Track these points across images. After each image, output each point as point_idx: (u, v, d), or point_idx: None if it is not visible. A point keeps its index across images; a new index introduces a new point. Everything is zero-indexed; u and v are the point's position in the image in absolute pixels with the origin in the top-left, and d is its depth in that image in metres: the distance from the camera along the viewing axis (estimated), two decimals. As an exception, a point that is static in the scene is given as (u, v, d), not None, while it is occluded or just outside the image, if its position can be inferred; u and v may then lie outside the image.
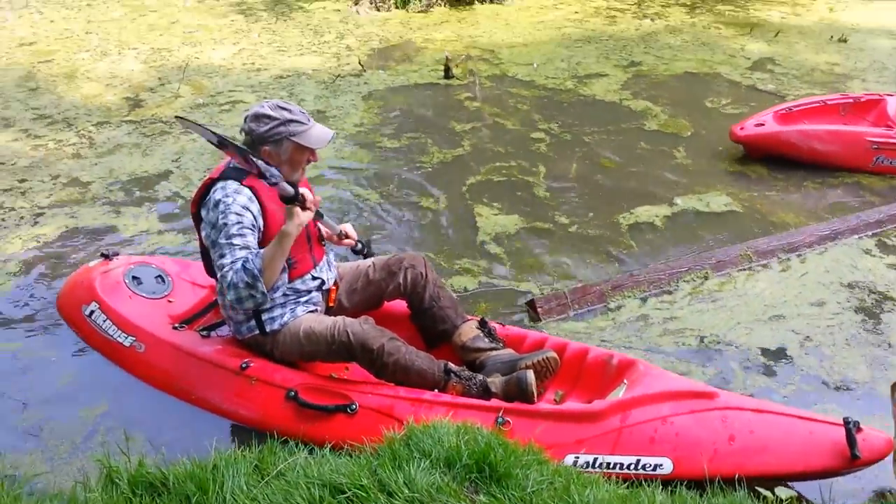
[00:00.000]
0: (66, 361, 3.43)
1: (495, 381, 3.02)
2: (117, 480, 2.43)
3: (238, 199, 2.90)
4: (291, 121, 2.97)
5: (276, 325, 3.09)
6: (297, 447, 2.63)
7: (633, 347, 3.60)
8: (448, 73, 6.95)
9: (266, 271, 2.85)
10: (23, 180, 5.11)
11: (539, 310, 3.88)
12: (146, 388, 3.23)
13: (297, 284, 3.12)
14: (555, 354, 3.12)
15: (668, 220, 4.76)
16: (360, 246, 3.49)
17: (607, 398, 2.89)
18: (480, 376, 3.06)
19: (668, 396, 2.80)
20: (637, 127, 6.00)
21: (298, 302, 3.14)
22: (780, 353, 3.57)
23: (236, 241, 2.87)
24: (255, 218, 2.93)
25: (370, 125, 6.07)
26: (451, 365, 3.06)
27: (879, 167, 5.29)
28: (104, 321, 3.40)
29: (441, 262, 4.23)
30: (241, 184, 2.94)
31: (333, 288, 3.29)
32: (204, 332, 3.30)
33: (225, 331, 3.30)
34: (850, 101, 5.72)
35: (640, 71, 7.05)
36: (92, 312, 3.45)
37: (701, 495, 2.44)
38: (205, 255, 3.12)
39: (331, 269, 3.30)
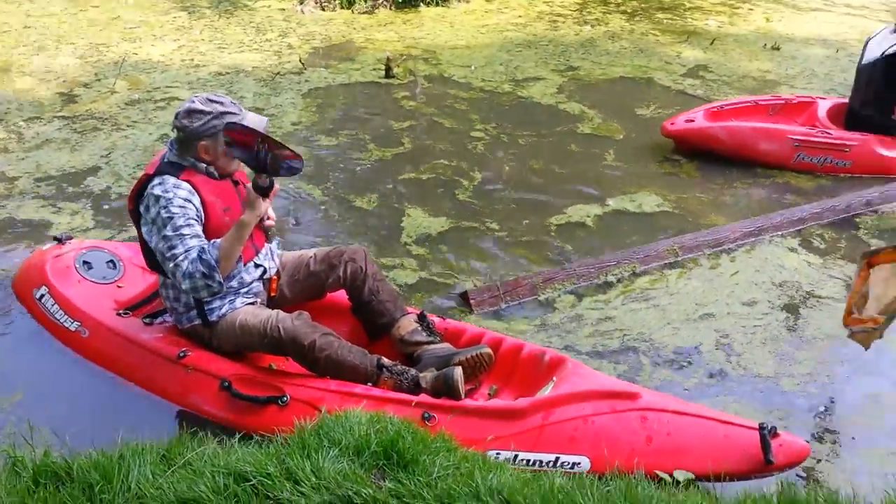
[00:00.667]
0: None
1: (426, 377, 3.08)
2: (19, 471, 2.42)
3: (179, 193, 2.93)
4: (224, 113, 3.00)
5: (215, 317, 3.12)
6: (206, 437, 2.63)
7: (566, 346, 3.67)
8: (389, 73, 6.98)
9: (223, 261, 2.89)
10: (-53, 174, 5.02)
11: (472, 301, 3.97)
12: (88, 374, 3.28)
13: (241, 274, 3.14)
14: (489, 350, 3.19)
15: (601, 220, 4.88)
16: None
17: (536, 395, 2.95)
18: (413, 371, 3.11)
19: (590, 396, 2.86)
20: (571, 130, 6.09)
21: (238, 293, 3.16)
22: (700, 351, 3.69)
23: (185, 231, 2.89)
24: (197, 210, 2.95)
25: (308, 123, 6.08)
26: (384, 360, 3.10)
27: (801, 164, 5.48)
28: (52, 305, 3.43)
29: (375, 256, 4.27)
30: (179, 178, 2.96)
31: (275, 277, 3.31)
32: (147, 320, 3.33)
33: (170, 320, 3.31)
34: (782, 102, 5.92)
35: (576, 75, 7.17)
36: (42, 296, 3.48)
37: (600, 478, 2.51)
38: (145, 249, 3.12)
39: (273, 258, 3.32)
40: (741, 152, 5.53)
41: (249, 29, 8.15)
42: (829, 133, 5.47)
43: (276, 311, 3.13)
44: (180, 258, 2.88)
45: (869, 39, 5.58)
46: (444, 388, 3.01)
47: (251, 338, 3.10)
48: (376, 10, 8.90)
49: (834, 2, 9.89)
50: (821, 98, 6.00)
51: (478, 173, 5.38)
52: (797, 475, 2.89)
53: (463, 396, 3.00)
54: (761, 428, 2.67)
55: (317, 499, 2.28)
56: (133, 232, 4.31)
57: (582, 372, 3.05)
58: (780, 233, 4.70)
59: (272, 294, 3.31)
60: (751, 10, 9.47)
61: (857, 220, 4.89)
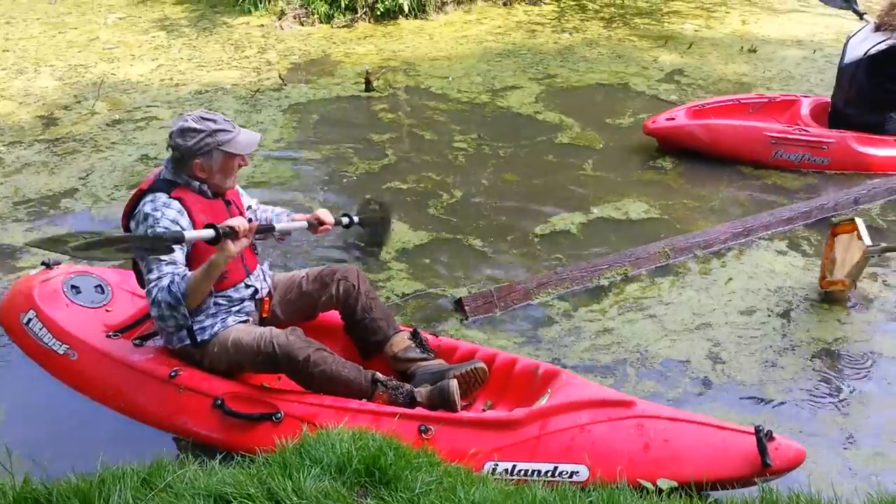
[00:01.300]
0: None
1: (421, 391, 3.09)
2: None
3: (167, 213, 2.94)
4: (218, 130, 3.02)
5: (206, 336, 3.12)
6: (187, 459, 2.62)
7: (562, 358, 3.69)
8: (369, 86, 7.00)
9: (189, 296, 2.89)
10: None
11: (466, 308, 4.00)
12: (73, 400, 3.28)
13: (230, 293, 3.15)
14: (483, 365, 3.20)
15: (587, 228, 4.90)
16: (346, 220, 3.57)
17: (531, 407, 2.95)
18: (408, 386, 3.12)
19: (586, 405, 2.87)
20: (550, 139, 6.11)
21: (230, 312, 3.17)
22: (689, 361, 3.70)
23: (163, 256, 2.88)
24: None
25: (290, 139, 6.10)
26: (379, 374, 3.11)
27: (779, 161, 5.53)
28: (40, 329, 3.43)
29: (366, 272, 4.28)
30: (170, 196, 2.98)
31: (267, 298, 3.32)
32: (137, 342, 3.33)
33: (160, 341, 3.31)
34: (765, 100, 5.96)
35: (554, 83, 7.20)
36: (29, 320, 3.47)
37: (583, 489, 2.51)
38: (136, 267, 3.13)
39: (265, 278, 3.34)
40: (720, 150, 5.57)
41: (228, 46, 8.15)
42: (806, 131, 5.52)
43: (269, 327, 3.14)
44: (152, 284, 2.91)
45: (849, 38, 5.61)
46: (440, 401, 3.01)
47: (245, 355, 3.09)
48: (355, 24, 8.92)
49: (809, 3, 9.95)
50: (804, 96, 6.04)
51: (460, 184, 5.39)
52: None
53: (459, 408, 3.00)
54: (758, 431, 2.67)
55: (298, 518, 2.27)
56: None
57: (576, 382, 3.06)
58: (768, 233, 4.74)
59: (264, 315, 3.32)
60: (727, 13, 9.54)
61: (835, 219, 4.92)
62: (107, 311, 3.56)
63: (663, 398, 3.40)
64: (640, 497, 2.47)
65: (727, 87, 7.06)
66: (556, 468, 2.74)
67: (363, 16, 9.01)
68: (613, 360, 3.70)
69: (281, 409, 2.97)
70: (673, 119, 5.67)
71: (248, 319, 3.22)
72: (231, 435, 2.97)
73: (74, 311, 3.50)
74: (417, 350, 3.29)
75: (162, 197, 2.97)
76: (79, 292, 3.57)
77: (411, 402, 3.05)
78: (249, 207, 3.43)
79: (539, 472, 2.74)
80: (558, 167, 5.67)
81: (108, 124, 6.27)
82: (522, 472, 2.74)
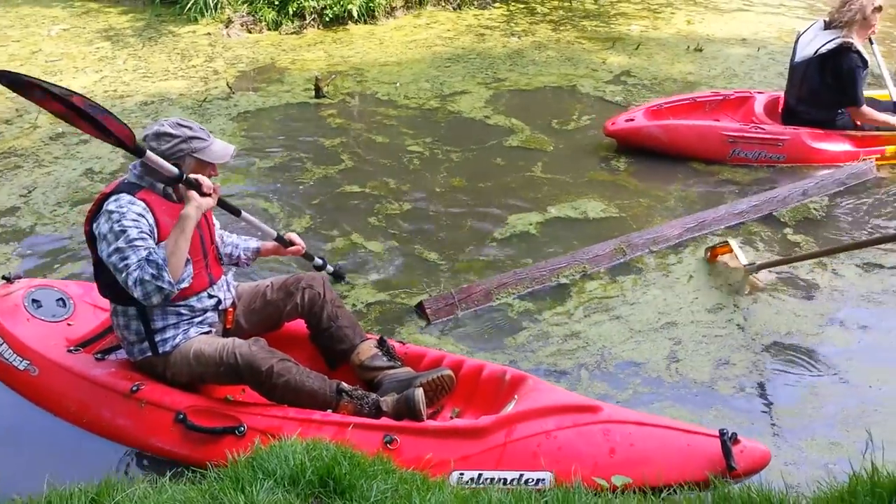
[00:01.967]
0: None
1: (387, 400, 3.06)
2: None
3: (133, 209, 2.90)
4: (192, 137, 3.01)
5: (168, 347, 3.08)
6: (137, 478, 2.57)
7: (528, 363, 3.69)
8: (319, 93, 6.95)
9: (171, 258, 2.84)
10: None
11: (427, 311, 4.00)
12: (35, 417, 3.24)
13: (192, 302, 3.11)
14: (450, 372, 3.19)
15: (546, 229, 4.91)
16: (319, 262, 3.65)
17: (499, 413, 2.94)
18: (374, 396, 3.10)
19: (552, 411, 2.87)
20: (500, 143, 6.12)
21: (192, 322, 3.12)
22: (642, 362, 3.72)
23: (139, 242, 2.84)
24: (150, 227, 2.92)
25: (241, 147, 6.01)
26: (344, 384, 3.09)
27: (736, 158, 5.65)
28: (0, 344, 3.36)
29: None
30: (135, 196, 2.94)
31: (231, 309, 3.29)
32: (99, 356, 3.28)
33: (122, 354, 3.26)
34: (720, 98, 6.06)
35: (503, 87, 7.23)
36: None
37: (540, 493, 2.50)
38: (98, 274, 3.07)
39: (229, 289, 3.31)
40: (679, 150, 5.66)
41: (174, 56, 8.04)
42: (762, 129, 5.63)
43: (231, 338, 3.11)
44: (133, 266, 2.83)
45: (799, 36, 5.71)
46: (406, 411, 3.00)
47: (207, 367, 3.06)
48: (304, 31, 8.86)
49: (752, 1, 10.16)
50: (758, 93, 6.15)
51: (414, 189, 5.39)
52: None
53: (425, 418, 2.99)
54: (722, 435, 2.69)
55: (251, 533, 2.23)
56: (67, 270, 4.30)
57: (542, 388, 3.05)
58: (723, 226, 4.83)
59: (228, 326, 3.29)
60: (673, 13, 9.68)
61: (776, 214, 5.03)
62: (68, 324, 3.52)
63: (613, 399, 3.42)
64: (596, 495, 2.47)
65: (673, 87, 7.16)
66: (521, 476, 2.73)
67: (312, 22, 8.96)
68: (574, 363, 3.71)
69: (244, 423, 2.94)
70: (632, 120, 5.74)
71: (210, 331, 3.19)
72: (194, 449, 2.94)
73: (35, 326, 3.45)
74: (384, 358, 3.28)
75: (126, 197, 2.95)
76: (40, 306, 3.54)
77: (377, 412, 3.04)
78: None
79: (505, 479, 2.73)
80: (512, 170, 5.68)
81: (51, 138, 6.14)
82: (488, 480, 2.73)
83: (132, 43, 8.41)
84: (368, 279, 4.37)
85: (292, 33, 8.80)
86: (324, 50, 8.29)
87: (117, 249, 2.85)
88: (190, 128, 3.04)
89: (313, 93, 6.97)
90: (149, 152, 2.85)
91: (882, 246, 4.50)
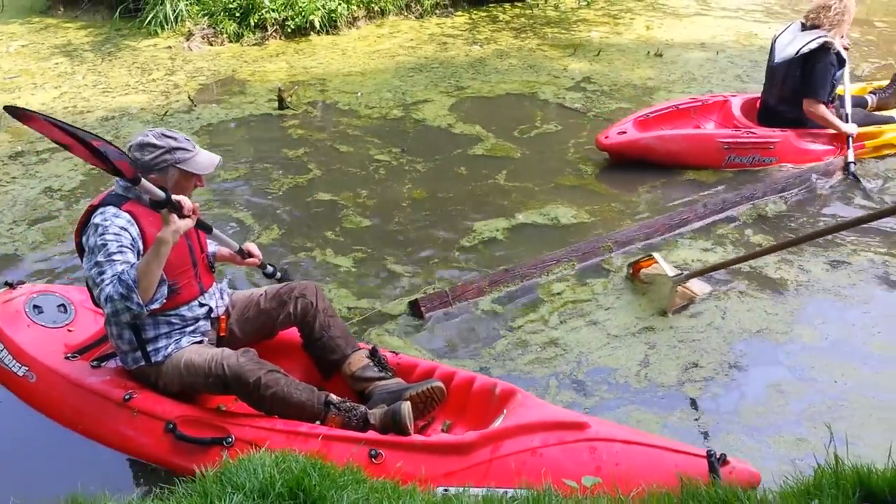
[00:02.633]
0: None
1: (376, 413, 3.06)
2: None
3: (116, 222, 2.90)
4: (177, 148, 3.00)
5: (160, 357, 3.08)
6: (104, 494, 2.53)
7: (513, 374, 3.68)
8: (282, 104, 6.92)
9: (142, 280, 2.81)
10: None
11: (423, 308, 4.07)
12: (34, 423, 3.28)
13: (183, 311, 3.11)
14: (441, 384, 3.17)
15: (517, 236, 4.95)
16: (270, 269, 3.62)
17: (487, 429, 2.92)
18: (362, 408, 3.09)
19: (538, 427, 2.85)
20: (464, 151, 6.13)
21: (184, 332, 3.13)
22: (624, 368, 3.74)
23: (117, 257, 2.83)
24: (133, 239, 2.91)
25: (203, 161, 5.95)
26: (332, 396, 3.08)
27: (732, 164, 5.74)
28: (1, 350, 3.38)
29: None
30: (121, 208, 2.95)
31: (224, 317, 3.28)
32: (95, 363, 3.28)
33: (119, 362, 3.25)
34: (699, 103, 6.13)
35: (465, 95, 7.26)
36: None
37: (513, 499, 2.51)
38: (90, 286, 3.03)
39: (222, 297, 3.31)
40: (675, 160, 5.70)
41: (134, 70, 7.96)
42: (753, 133, 5.73)
43: (221, 348, 3.11)
44: (106, 282, 2.82)
45: (776, 38, 5.81)
46: (393, 424, 2.99)
47: (196, 377, 3.06)
48: (266, 42, 8.82)
49: (710, 6, 10.32)
50: (732, 96, 6.24)
51: (380, 199, 5.38)
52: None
53: (411, 432, 2.97)
54: (709, 455, 2.68)
55: (221, 549, 2.21)
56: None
57: (531, 403, 3.03)
58: (703, 222, 4.94)
59: (222, 334, 3.29)
60: (632, 19, 9.78)
61: (737, 213, 5.12)
62: (69, 330, 3.54)
63: (580, 407, 3.43)
64: (565, 497, 2.48)
65: (631, 93, 7.25)
66: (506, 493, 2.67)
67: (274, 33, 8.92)
68: (551, 370, 3.73)
69: (232, 434, 2.95)
70: (624, 133, 5.74)
71: (202, 339, 3.20)
72: (184, 459, 2.95)
73: (36, 332, 3.48)
74: (375, 369, 3.28)
75: (112, 209, 2.95)
76: (41, 312, 3.55)
77: (365, 424, 3.03)
78: None
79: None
80: (478, 177, 5.70)
81: (9, 157, 6.04)
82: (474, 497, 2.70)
83: (91, 58, 8.31)
84: (336, 289, 4.35)
85: (254, 45, 8.76)
86: (286, 61, 8.26)
87: (97, 263, 2.86)
88: (175, 138, 3.04)
89: (276, 104, 6.95)
90: (143, 181, 2.79)
91: (851, 239, 4.69)
